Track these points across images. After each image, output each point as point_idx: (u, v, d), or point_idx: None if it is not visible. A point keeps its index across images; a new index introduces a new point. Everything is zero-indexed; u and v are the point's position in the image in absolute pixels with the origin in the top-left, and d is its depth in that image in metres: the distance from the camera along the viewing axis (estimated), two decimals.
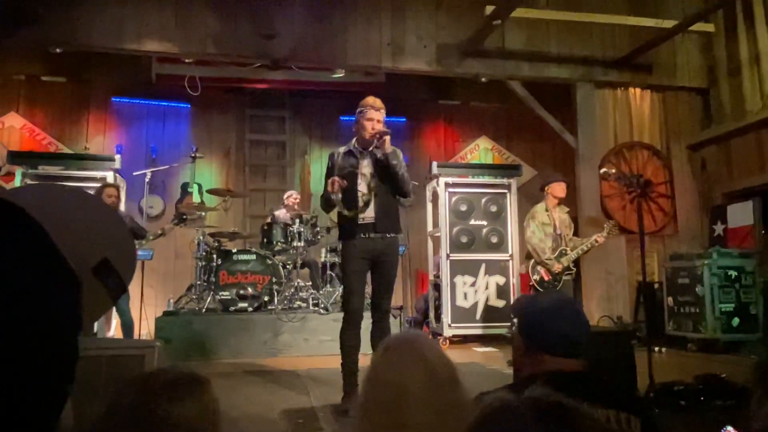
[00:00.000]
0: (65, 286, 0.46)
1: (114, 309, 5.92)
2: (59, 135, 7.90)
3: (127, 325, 4.98)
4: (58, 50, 6.34)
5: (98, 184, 6.00)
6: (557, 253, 4.98)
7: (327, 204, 3.62)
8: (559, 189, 5.10)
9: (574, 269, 5.10)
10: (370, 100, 3.55)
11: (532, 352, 1.55)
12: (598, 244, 5.09)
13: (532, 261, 5.03)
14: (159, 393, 1.03)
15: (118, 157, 6.32)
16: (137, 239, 5.14)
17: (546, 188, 5.15)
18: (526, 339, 1.58)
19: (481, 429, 0.76)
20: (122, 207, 5.95)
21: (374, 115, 3.49)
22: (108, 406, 1.01)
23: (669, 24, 6.62)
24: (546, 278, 4.94)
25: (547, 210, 5.10)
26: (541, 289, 4.93)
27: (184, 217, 5.42)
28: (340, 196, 3.48)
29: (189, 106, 8.23)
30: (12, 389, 0.40)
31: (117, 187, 5.43)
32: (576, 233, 5.48)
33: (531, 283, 5.01)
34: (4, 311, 0.40)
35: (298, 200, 7.06)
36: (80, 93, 8.00)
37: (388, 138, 3.41)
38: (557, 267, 4.93)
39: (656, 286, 6.72)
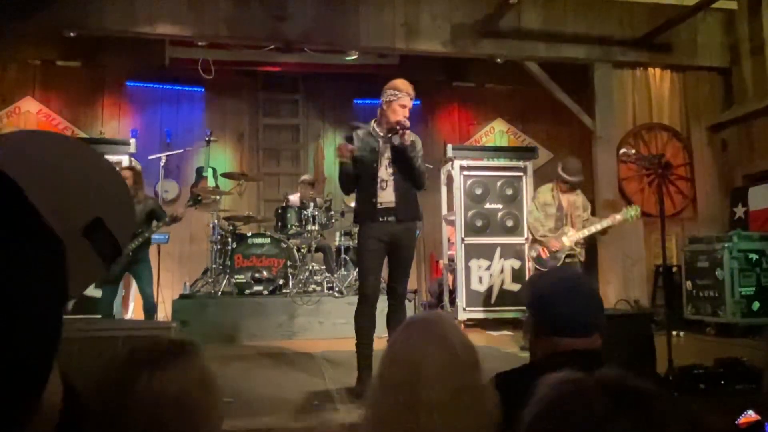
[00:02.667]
0: (44, 250, 0.42)
1: (132, 291, 6.00)
2: (74, 119, 7.94)
3: (150, 308, 4.96)
4: (71, 34, 6.33)
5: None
6: (559, 232, 4.92)
7: (343, 183, 3.59)
8: (562, 185, 4.99)
9: (579, 251, 4.93)
10: (405, 85, 3.47)
11: (543, 333, 1.52)
12: (615, 223, 4.96)
13: (531, 238, 5.06)
14: (141, 366, 0.99)
15: (133, 141, 6.35)
16: (157, 221, 5.10)
17: (559, 175, 5.02)
18: (536, 319, 1.55)
19: (554, 412, 0.72)
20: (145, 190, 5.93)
21: (408, 102, 3.46)
22: (95, 384, 0.98)
23: (690, 1, 6.45)
24: (543, 256, 4.89)
25: (552, 190, 5.02)
26: (538, 266, 4.88)
27: (199, 198, 5.37)
28: (349, 163, 3.46)
29: (203, 89, 8.22)
30: None
31: (132, 169, 5.29)
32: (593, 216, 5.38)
33: (528, 261, 5.00)
34: None
35: (311, 183, 7.03)
36: (95, 77, 8.02)
37: (408, 132, 3.37)
38: (554, 244, 4.84)
39: (674, 269, 6.63)
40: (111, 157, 6.13)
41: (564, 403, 0.71)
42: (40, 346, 0.41)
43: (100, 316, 4.85)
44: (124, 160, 6.12)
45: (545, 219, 4.94)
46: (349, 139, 3.60)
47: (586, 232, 4.93)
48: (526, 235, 6.58)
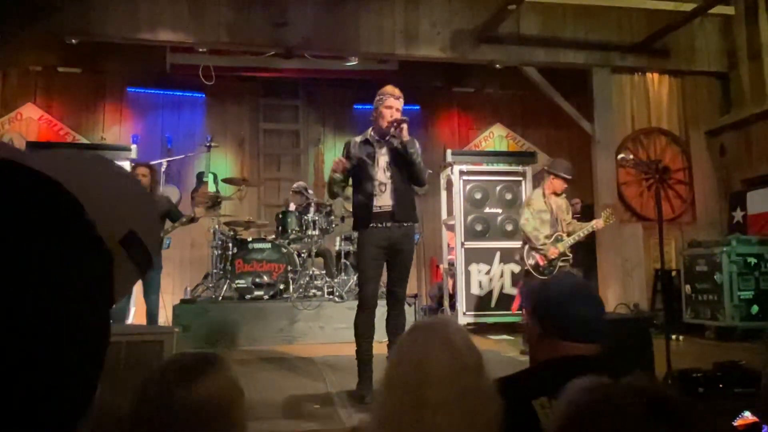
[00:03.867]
0: (99, 258, 0.46)
1: (133, 296, 6.00)
2: (76, 125, 7.97)
3: (152, 315, 4.93)
4: (73, 41, 6.38)
5: None
6: (553, 238, 4.95)
7: (330, 189, 3.66)
8: (558, 185, 5.03)
9: (570, 256, 5.02)
10: (389, 88, 3.55)
11: (547, 337, 1.53)
12: (597, 228, 5.06)
13: (527, 246, 4.99)
14: (175, 380, 1.06)
15: (134, 147, 6.37)
16: (172, 221, 5.08)
17: (549, 177, 5.07)
18: (541, 324, 1.57)
19: (583, 419, 0.72)
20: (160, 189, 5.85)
21: (394, 103, 3.49)
22: (135, 401, 1.05)
23: (688, 7, 6.50)
24: (541, 263, 4.91)
25: (543, 196, 5.05)
26: (536, 274, 4.90)
27: (219, 200, 5.33)
28: (340, 176, 3.51)
29: (203, 95, 8.26)
30: (46, 365, 0.40)
31: (150, 167, 5.22)
32: (592, 219, 5.42)
33: (526, 268, 4.98)
34: (44, 291, 0.40)
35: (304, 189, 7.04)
36: (96, 83, 8.06)
37: (405, 126, 3.41)
38: (552, 252, 4.89)
39: (674, 273, 6.65)
40: None
41: (597, 409, 0.71)
42: (96, 348, 0.45)
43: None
44: (125, 166, 6.14)
45: (541, 226, 4.96)
46: (346, 145, 3.65)
47: (576, 238, 4.98)
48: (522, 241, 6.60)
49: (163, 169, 6.82)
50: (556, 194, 5.05)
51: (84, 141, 7.77)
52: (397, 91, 3.53)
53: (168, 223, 5.02)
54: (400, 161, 3.49)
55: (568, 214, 5.12)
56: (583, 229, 4.98)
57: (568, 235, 4.98)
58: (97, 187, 0.62)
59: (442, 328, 1.08)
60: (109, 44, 6.98)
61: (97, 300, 0.45)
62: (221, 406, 1.07)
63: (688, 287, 6.29)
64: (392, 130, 3.45)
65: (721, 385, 3.24)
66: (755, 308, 5.79)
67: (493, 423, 0.97)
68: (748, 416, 2.32)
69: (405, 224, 3.54)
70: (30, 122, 7.83)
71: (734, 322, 5.74)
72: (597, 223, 5.00)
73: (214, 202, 5.28)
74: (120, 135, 7.98)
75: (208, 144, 6.65)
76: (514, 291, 6.52)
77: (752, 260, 5.87)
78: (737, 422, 2.33)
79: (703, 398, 3.19)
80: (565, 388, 0.78)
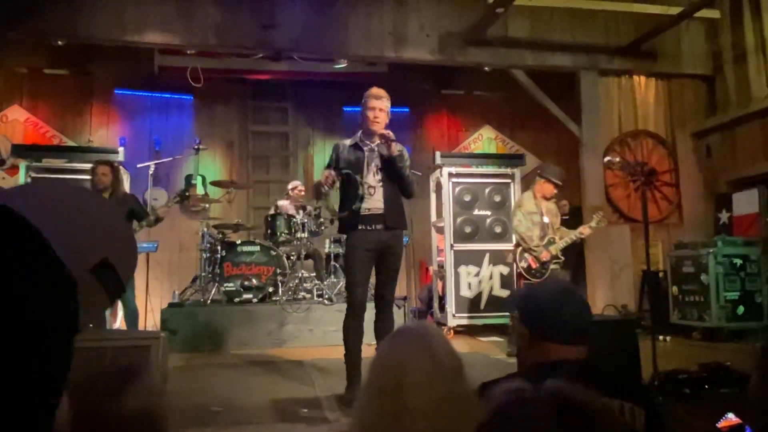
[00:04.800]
0: (60, 288, 0.46)
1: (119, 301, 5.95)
2: (63, 128, 7.90)
3: (131, 316, 4.83)
4: (60, 42, 6.32)
5: None
6: (545, 241, 4.98)
7: (316, 192, 3.67)
8: (548, 190, 5.07)
9: (563, 258, 5.08)
10: (372, 90, 3.56)
11: (536, 340, 1.54)
12: (584, 236, 5.10)
13: (520, 249, 5.01)
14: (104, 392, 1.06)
15: (121, 149, 6.33)
16: (138, 221, 4.88)
17: (539, 180, 5.11)
18: (530, 327, 1.57)
19: (497, 420, 0.74)
20: (126, 187, 5.61)
21: (375, 103, 3.49)
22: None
23: (674, 10, 6.56)
24: (533, 266, 4.94)
25: (534, 198, 5.08)
26: (528, 277, 4.92)
27: (187, 194, 5.13)
28: (327, 189, 3.53)
29: (192, 97, 8.22)
30: (5, 393, 0.40)
31: (110, 164, 4.97)
32: (580, 223, 5.46)
33: (518, 271, 5.00)
34: None
35: (303, 192, 7.05)
36: (83, 85, 8.00)
37: (393, 144, 3.41)
38: (545, 255, 4.92)
39: (661, 275, 6.70)
40: None
41: (507, 412, 0.73)
42: (58, 372, 0.45)
43: (90, 326, 4.81)
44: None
45: (532, 228, 4.99)
46: (335, 149, 3.65)
47: (568, 241, 5.02)
48: (514, 241, 6.63)
49: (150, 172, 6.78)
50: (546, 198, 5.08)
51: (71, 143, 7.71)
52: (379, 92, 3.53)
53: (135, 224, 4.83)
54: (389, 170, 3.50)
55: (557, 217, 5.16)
56: (571, 235, 5.02)
57: (560, 239, 5.02)
58: (73, 217, 0.63)
59: (422, 333, 1.08)
60: (96, 46, 6.94)
61: (56, 326, 0.45)
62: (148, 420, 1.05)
63: (674, 288, 6.34)
64: (382, 144, 3.46)
65: (706, 386, 3.28)
66: (741, 309, 5.85)
67: (474, 428, 0.97)
68: (731, 418, 2.34)
69: (395, 229, 3.55)
70: (16, 124, 7.75)
71: (720, 323, 5.80)
72: (584, 230, 5.04)
73: (182, 197, 5.08)
74: (107, 137, 7.92)
75: (196, 146, 6.63)
76: (503, 293, 6.54)
77: (738, 261, 5.93)
78: (721, 424, 2.36)
79: (689, 399, 3.22)
80: (489, 392, 0.81)
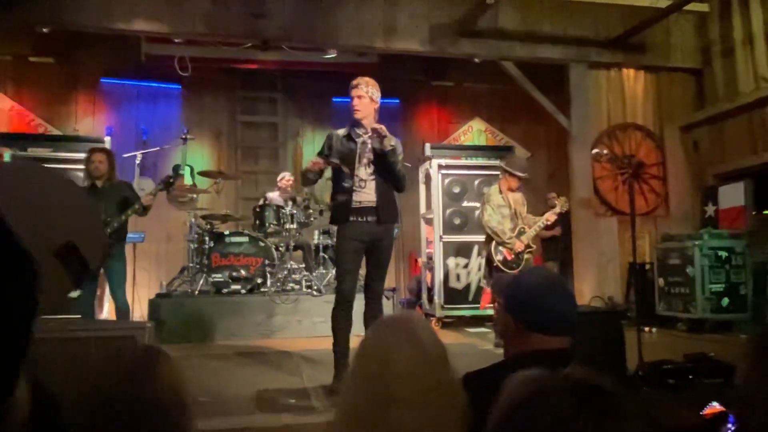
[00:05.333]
0: (17, 271, 0.45)
1: (106, 290, 5.89)
2: (48, 117, 7.80)
3: (121, 310, 4.67)
4: (45, 30, 6.22)
5: None
6: (516, 232, 5.01)
7: (303, 179, 3.64)
8: (513, 183, 5.09)
9: (534, 247, 5.14)
10: (357, 79, 3.54)
11: (520, 330, 1.55)
12: (550, 222, 5.15)
13: (493, 243, 5.02)
14: (117, 372, 1.06)
15: (108, 138, 6.26)
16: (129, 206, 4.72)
17: (504, 174, 5.12)
18: (515, 317, 1.58)
19: (521, 412, 0.73)
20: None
21: (352, 92, 3.50)
22: (75, 391, 1.04)
23: (663, 3, 6.58)
24: (509, 258, 4.97)
25: (501, 192, 5.11)
26: (505, 269, 4.95)
27: (171, 180, 4.93)
28: (315, 176, 3.51)
29: (180, 87, 8.14)
30: None
31: (106, 152, 4.88)
32: (569, 213, 5.49)
33: (495, 264, 5.01)
34: None
35: (291, 182, 7.03)
36: (69, 74, 7.89)
37: (387, 138, 3.40)
38: (519, 245, 4.95)
39: (648, 267, 6.76)
40: (85, 155, 6.02)
41: (530, 402, 0.73)
42: (14, 353, 0.44)
43: (79, 317, 4.72)
44: None
45: (502, 220, 5.01)
46: (328, 138, 3.62)
47: (537, 229, 5.07)
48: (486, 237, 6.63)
49: (138, 162, 6.71)
50: (512, 190, 5.12)
51: (56, 132, 7.61)
52: (356, 80, 3.51)
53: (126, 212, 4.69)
54: (382, 162, 3.48)
55: (523, 206, 5.20)
56: (539, 222, 5.07)
57: (529, 227, 5.06)
58: (36, 199, 0.62)
59: (406, 323, 1.08)
60: (82, 34, 6.83)
61: (10, 309, 0.44)
62: (160, 406, 1.06)
63: (661, 280, 6.40)
64: (374, 137, 3.44)
65: (690, 377, 3.31)
66: (725, 301, 5.92)
67: (459, 417, 0.97)
68: (715, 406, 2.37)
69: (387, 223, 3.55)
70: (1, 113, 7.64)
71: (705, 314, 5.87)
72: (550, 216, 5.09)
73: (167, 184, 4.88)
74: (93, 126, 7.83)
75: (184, 136, 6.57)
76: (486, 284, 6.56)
77: (723, 254, 5.99)
78: (705, 412, 2.39)
79: (673, 389, 3.26)
80: (505, 382, 0.80)
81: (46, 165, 5.56)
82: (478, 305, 6.45)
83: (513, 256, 4.96)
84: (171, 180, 4.83)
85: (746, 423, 1.20)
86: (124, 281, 4.72)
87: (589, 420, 0.69)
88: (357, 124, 3.55)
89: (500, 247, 4.99)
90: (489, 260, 5.13)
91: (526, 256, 5.01)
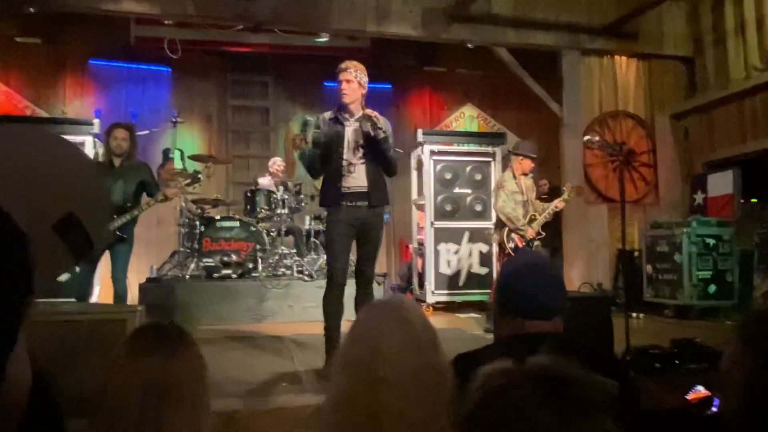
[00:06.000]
0: (7, 249, 0.43)
1: (97, 273, 5.83)
2: (36, 98, 7.69)
3: (120, 296, 4.52)
4: (32, 10, 6.11)
5: None
6: (528, 219, 5.03)
7: (307, 162, 3.59)
8: (527, 165, 5.10)
9: (543, 234, 5.15)
10: (344, 62, 3.52)
11: (507, 315, 1.56)
12: (558, 209, 5.17)
13: (506, 229, 5.02)
14: (144, 352, 1.06)
15: (96, 121, 6.17)
16: (148, 194, 4.63)
17: (516, 159, 5.13)
18: (500, 302, 1.60)
19: (489, 407, 0.74)
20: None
21: (341, 76, 3.49)
22: (107, 375, 1.04)
23: None
24: (520, 245, 4.99)
25: (514, 177, 5.11)
26: (515, 255, 4.97)
27: (199, 176, 4.80)
28: (308, 147, 3.48)
29: (169, 69, 8.05)
30: None
31: (129, 128, 4.62)
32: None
33: (507, 251, 5.02)
34: None
35: (282, 167, 7.00)
36: (56, 55, 7.77)
37: (380, 128, 3.37)
38: (531, 233, 4.98)
39: (636, 254, 6.82)
40: (74, 138, 5.94)
41: (496, 395, 0.74)
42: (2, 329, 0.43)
43: (74, 299, 4.65)
44: (87, 140, 5.96)
45: (516, 207, 5.02)
46: (316, 126, 3.59)
47: (547, 216, 5.08)
48: (493, 220, 6.65)
49: None
50: (525, 175, 5.12)
51: (44, 114, 7.51)
52: (344, 63, 3.48)
53: (144, 200, 4.56)
54: (373, 148, 3.47)
55: (533, 193, 5.21)
56: (549, 209, 5.08)
57: (540, 214, 5.08)
58: (35, 165, 0.60)
59: (396, 306, 1.09)
60: (70, 14, 6.72)
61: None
62: (182, 391, 1.07)
63: (649, 267, 6.47)
64: (365, 121, 3.42)
65: (677, 362, 3.37)
66: (712, 287, 6.00)
67: (448, 400, 0.98)
68: (700, 390, 2.42)
69: (377, 207, 3.55)
70: None
71: (692, 301, 5.94)
72: (558, 203, 5.11)
73: (194, 178, 4.82)
74: (82, 109, 7.73)
75: (174, 119, 6.49)
76: (482, 270, 6.61)
77: (711, 241, 6.06)
78: (690, 396, 2.43)
79: (659, 374, 3.31)
80: (475, 373, 0.81)
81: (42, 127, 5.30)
82: (469, 290, 6.49)
83: (524, 243, 4.98)
84: (199, 176, 4.80)
85: (730, 406, 1.23)
86: (128, 265, 4.58)
87: (552, 408, 0.70)
88: (343, 107, 3.53)
89: (512, 234, 5.00)
90: (501, 247, 5.13)
91: (535, 242, 5.02)
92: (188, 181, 4.79)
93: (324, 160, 3.53)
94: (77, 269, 4.46)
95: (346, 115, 3.53)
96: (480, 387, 0.77)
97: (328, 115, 3.59)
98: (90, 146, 5.93)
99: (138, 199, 4.56)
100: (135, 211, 4.45)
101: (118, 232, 4.39)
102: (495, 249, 6.49)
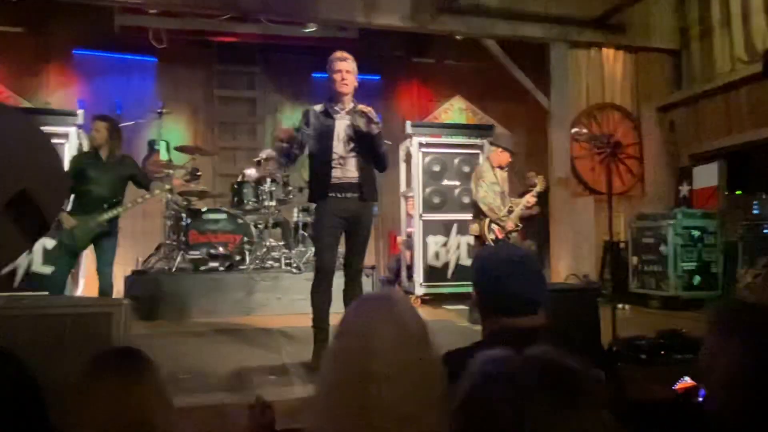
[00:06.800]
0: None
1: (82, 266, 5.78)
2: (18, 89, 7.57)
3: (106, 291, 4.39)
4: None
5: (61, 141, 5.76)
6: (506, 210, 5.06)
7: (282, 154, 3.59)
8: (504, 158, 5.11)
9: (521, 226, 5.20)
10: (337, 53, 3.50)
11: (493, 313, 1.55)
12: (531, 203, 5.23)
13: (487, 220, 5.02)
14: (104, 375, 1.06)
15: (80, 112, 6.09)
16: (139, 187, 4.58)
17: (494, 149, 5.15)
18: (484, 303, 1.58)
19: (487, 389, 0.75)
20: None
21: (341, 65, 3.44)
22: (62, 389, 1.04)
23: None
24: (500, 236, 5.01)
25: (492, 168, 5.12)
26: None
27: (198, 174, 4.75)
28: (285, 145, 3.46)
29: (155, 59, 7.94)
30: None
31: (108, 120, 4.51)
32: (546, 192, 5.54)
33: (487, 243, 5.03)
34: None
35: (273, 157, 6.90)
36: (39, 44, 7.64)
37: (374, 125, 3.37)
38: (510, 225, 5.00)
39: (622, 245, 6.88)
40: (57, 129, 5.86)
41: (492, 381, 0.75)
42: None
43: (47, 293, 4.58)
44: (71, 131, 5.89)
45: (495, 197, 5.03)
46: (305, 114, 3.56)
47: (523, 208, 5.11)
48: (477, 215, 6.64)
49: None
50: (501, 168, 5.14)
51: (27, 105, 7.39)
52: (344, 54, 3.47)
53: (140, 195, 4.53)
54: (365, 142, 3.45)
55: (506, 185, 5.23)
56: (523, 202, 5.12)
57: (515, 205, 5.11)
58: None
59: (387, 300, 1.08)
60: (53, 3, 6.61)
61: None
62: (145, 412, 1.08)
63: (635, 258, 6.52)
64: (359, 116, 3.40)
65: (662, 352, 3.40)
66: (697, 279, 6.06)
67: (438, 394, 0.98)
68: (687, 381, 2.44)
69: (367, 200, 3.54)
70: None
71: (677, 292, 6.01)
72: (530, 198, 5.14)
73: (193, 176, 4.77)
74: (66, 99, 7.61)
75: (159, 110, 6.42)
76: (470, 262, 6.62)
77: (696, 233, 6.12)
78: (677, 386, 2.45)
79: (645, 364, 3.34)
80: (468, 362, 0.81)
81: None
82: (457, 282, 6.50)
83: (503, 234, 4.99)
84: (197, 173, 4.80)
85: (714, 396, 1.24)
86: (113, 259, 4.50)
87: (546, 396, 0.71)
88: (333, 99, 3.52)
89: (493, 225, 5.01)
90: (480, 238, 5.11)
91: (513, 234, 5.05)
92: (188, 178, 4.78)
93: (314, 153, 3.51)
94: (51, 267, 4.38)
95: (337, 107, 3.51)
96: (474, 373, 0.77)
97: (318, 108, 3.56)
98: (74, 137, 5.85)
99: (123, 193, 4.50)
100: (128, 204, 4.42)
101: (106, 225, 4.35)
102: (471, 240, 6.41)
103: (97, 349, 1.17)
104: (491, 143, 5.22)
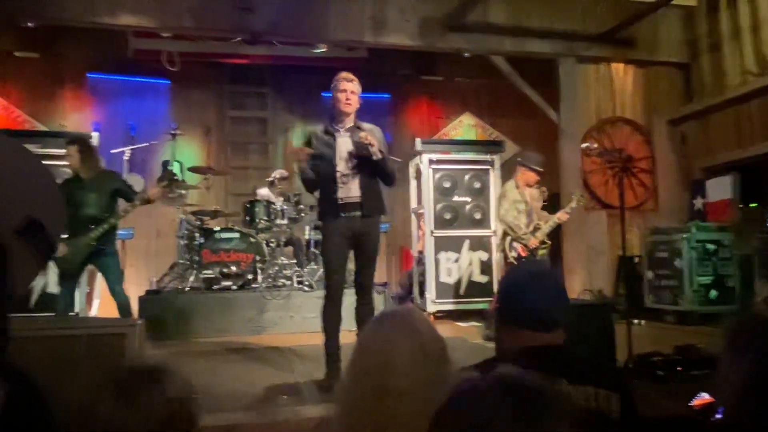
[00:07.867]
0: None
1: (96, 287, 5.84)
2: (34, 112, 7.70)
3: (123, 306, 4.40)
4: (30, 24, 6.14)
5: None
6: (531, 228, 5.03)
7: (303, 179, 3.61)
8: (531, 177, 5.10)
9: (549, 243, 5.13)
10: (342, 73, 3.55)
11: (507, 326, 1.54)
12: (562, 221, 5.15)
13: (509, 238, 5.03)
14: (127, 391, 1.06)
15: (95, 134, 6.18)
16: (127, 200, 4.52)
17: (520, 168, 5.15)
18: (502, 312, 1.57)
19: (452, 407, 0.79)
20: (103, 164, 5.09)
21: (347, 86, 3.48)
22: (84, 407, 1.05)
23: None
24: (523, 254, 4.98)
25: (517, 187, 5.11)
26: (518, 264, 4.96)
27: (175, 177, 4.67)
28: (305, 164, 3.48)
29: (168, 81, 8.07)
30: None
31: (77, 143, 4.48)
32: (557, 209, 5.51)
33: (509, 261, 5.01)
34: None
35: (286, 179, 6.94)
36: (54, 68, 7.79)
37: (375, 149, 3.38)
38: (533, 242, 4.97)
39: (636, 260, 6.81)
40: None
41: (461, 399, 0.80)
42: None
43: (72, 314, 4.59)
44: None
45: (518, 216, 5.02)
46: (308, 144, 3.60)
47: (552, 225, 5.06)
48: (493, 228, 6.64)
49: (126, 158, 6.65)
50: (529, 186, 5.12)
51: (42, 128, 7.52)
52: (350, 75, 3.52)
53: (122, 206, 4.49)
54: (368, 161, 3.47)
55: (539, 203, 5.20)
56: (553, 219, 5.08)
57: (545, 223, 5.06)
58: None
59: (406, 316, 1.08)
60: (67, 28, 6.75)
61: None
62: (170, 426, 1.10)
63: (649, 273, 6.45)
64: (361, 144, 3.43)
65: (679, 368, 3.35)
66: (713, 293, 5.98)
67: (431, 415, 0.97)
68: (705, 397, 2.40)
69: (372, 217, 3.55)
70: None
71: (693, 306, 5.92)
72: (561, 215, 5.09)
73: (170, 179, 4.59)
74: (81, 122, 7.73)
75: (173, 132, 6.51)
76: (483, 279, 6.59)
77: (711, 246, 6.05)
78: (694, 402, 2.41)
79: (662, 381, 3.29)
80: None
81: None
82: (470, 299, 6.47)
83: (527, 252, 4.96)
84: (174, 177, 4.68)
85: (726, 406, 1.23)
86: (121, 276, 4.54)
87: (508, 411, 0.76)
88: (335, 118, 3.56)
89: (515, 243, 5.00)
90: (504, 256, 5.12)
91: (540, 251, 5.01)
92: (165, 183, 4.59)
93: (319, 174, 3.53)
94: (60, 285, 4.40)
95: (338, 127, 3.54)
96: (448, 393, 0.82)
97: (319, 130, 3.60)
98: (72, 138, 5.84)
99: (113, 208, 4.48)
100: (112, 219, 4.36)
101: (99, 245, 4.30)
102: (498, 257, 6.46)
103: (122, 366, 1.19)
104: (519, 162, 5.22)
